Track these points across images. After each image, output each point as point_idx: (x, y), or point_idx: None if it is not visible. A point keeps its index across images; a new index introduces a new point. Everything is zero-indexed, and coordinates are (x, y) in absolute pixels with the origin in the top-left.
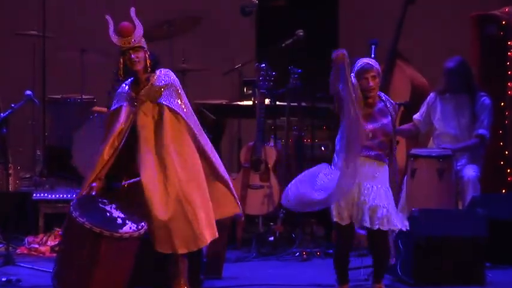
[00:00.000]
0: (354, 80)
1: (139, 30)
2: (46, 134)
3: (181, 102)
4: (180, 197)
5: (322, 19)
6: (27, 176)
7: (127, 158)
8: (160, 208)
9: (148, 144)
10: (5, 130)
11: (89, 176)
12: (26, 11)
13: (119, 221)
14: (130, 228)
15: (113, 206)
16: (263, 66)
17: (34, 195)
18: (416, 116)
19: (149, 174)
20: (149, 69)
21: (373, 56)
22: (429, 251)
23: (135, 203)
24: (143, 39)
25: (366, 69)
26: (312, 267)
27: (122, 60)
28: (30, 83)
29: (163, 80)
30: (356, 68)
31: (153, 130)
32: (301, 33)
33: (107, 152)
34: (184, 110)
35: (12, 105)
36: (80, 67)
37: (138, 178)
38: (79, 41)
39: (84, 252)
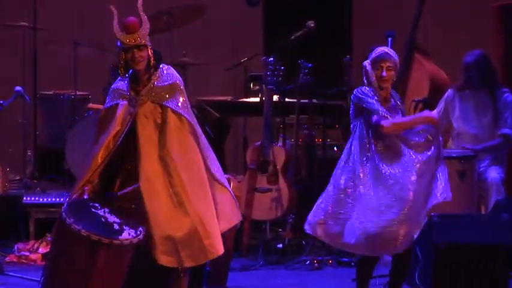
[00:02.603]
0: (368, 67)
1: (146, 26)
2: (37, 132)
3: (183, 100)
4: (186, 207)
5: (335, 9)
6: (17, 178)
7: (122, 161)
8: (165, 219)
9: (149, 149)
10: None
11: (80, 179)
12: (15, 0)
13: (116, 226)
14: (129, 234)
15: (106, 210)
16: (271, 60)
17: (24, 198)
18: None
19: (151, 182)
20: (152, 69)
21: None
22: (449, 258)
23: (129, 208)
24: (148, 36)
25: (382, 58)
26: (324, 277)
27: (123, 57)
28: (20, 78)
29: (167, 80)
30: (373, 56)
31: (155, 134)
32: (312, 25)
33: (101, 155)
34: (187, 109)
35: (1, 102)
36: (74, 61)
37: (134, 186)
38: (72, 34)
39: (80, 262)
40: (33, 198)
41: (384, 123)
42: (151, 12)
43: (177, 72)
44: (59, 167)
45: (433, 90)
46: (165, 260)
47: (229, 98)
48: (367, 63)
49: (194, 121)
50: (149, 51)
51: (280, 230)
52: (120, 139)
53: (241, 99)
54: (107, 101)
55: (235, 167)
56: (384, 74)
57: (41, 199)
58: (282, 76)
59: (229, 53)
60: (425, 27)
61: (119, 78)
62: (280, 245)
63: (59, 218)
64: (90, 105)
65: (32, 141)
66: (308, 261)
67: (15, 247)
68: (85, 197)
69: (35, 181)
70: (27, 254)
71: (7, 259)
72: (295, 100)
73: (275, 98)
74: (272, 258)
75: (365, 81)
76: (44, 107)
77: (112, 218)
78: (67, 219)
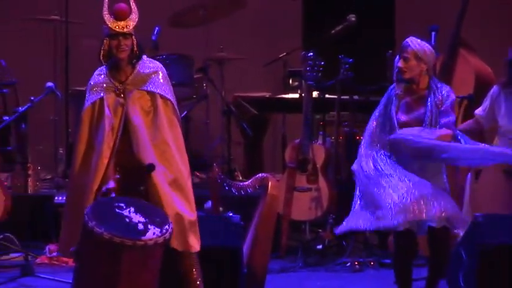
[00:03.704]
0: (396, 59)
1: (135, 15)
2: (69, 130)
3: (168, 86)
4: (186, 192)
5: (377, 2)
6: (48, 177)
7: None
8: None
9: (144, 137)
10: (23, 126)
11: (90, 184)
12: None
13: (140, 226)
14: (154, 233)
15: (131, 209)
16: (310, 55)
17: (56, 198)
18: (478, 111)
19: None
20: (135, 59)
21: (433, 43)
22: (495, 260)
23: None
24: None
25: (401, 47)
26: (365, 279)
27: (107, 44)
28: (52, 74)
29: (150, 67)
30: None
31: (145, 121)
32: (353, 19)
33: (105, 155)
34: (172, 95)
35: (32, 98)
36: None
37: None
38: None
39: (104, 265)
40: (64, 198)
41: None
42: (187, 6)
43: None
44: None
45: (479, 87)
46: (174, 243)
47: (267, 94)
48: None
49: (177, 106)
50: (134, 41)
51: (320, 230)
52: (120, 134)
53: (280, 96)
54: (87, 98)
55: (273, 165)
56: (399, 64)
57: None
58: (322, 72)
59: (268, 48)
60: (471, 20)
61: (96, 72)
62: (320, 246)
63: (83, 220)
64: None
65: (64, 138)
66: (349, 263)
67: (46, 248)
68: (113, 194)
69: (67, 180)
70: (58, 255)
71: (38, 260)
72: (335, 96)
73: (315, 94)
74: (311, 260)
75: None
76: (76, 104)
77: (137, 218)
78: (89, 222)
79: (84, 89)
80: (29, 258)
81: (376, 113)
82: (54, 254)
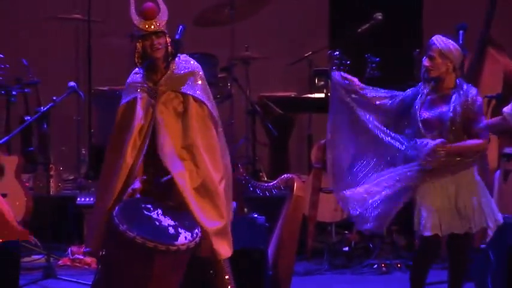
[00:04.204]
0: (423, 58)
1: (164, 13)
2: (92, 130)
3: (204, 88)
4: (214, 198)
5: (404, 0)
6: (71, 178)
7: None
8: (200, 215)
9: (172, 141)
10: (45, 126)
11: (113, 184)
12: None
13: (171, 230)
14: (185, 238)
15: (159, 211)
16: (336, 54)
17: (78, 199)
18: (506, 109)
19: (181, 175)
20: (170, 57)
21: (460, 42)
22: None
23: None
24: (166, 24)
25: (427, 46)
26: (392, 282)
27: (140, 45)
28: (74, 74)
29: (185, 68)
30: None
31: (176, 123)
32: (379, 17)
33: (129, 154)
34: (208, 97)
35: (54, 98)
36: (130, 55)
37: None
38: (128, 26)
39: (136, 269)
40: (87, 199)
41: None
42: (212, 4)
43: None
44: None
45: (507, 86)
46: (201, 251)
47: (293, 94)
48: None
49: (215, 110)
50: (167, 39)
51: (346, 232)
52: (149, 135)
53: (306, 95)
54: (123, 97)
55: (299, 166)
56: (425, 63)
57: (95, 200)
58: (348, 71)
59: (293, 47)
60: (501, 19)
61: (134, 71)
62: (346, 248)
63: (110, 222)
64: None
65: (87, 139)
66: (375, 265)
67: (69, 250)
68: (137, 195)
69: (90, 181)
70: (81, 257)
71: (60, 263)
72: None
73: None
74: (337, 262)
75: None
76: (99, 104)
77: (166, 221)
78: (120, 225)
79: (106, 88)
80: (51, 260)
81: (401, 95)
82: (77, 256)
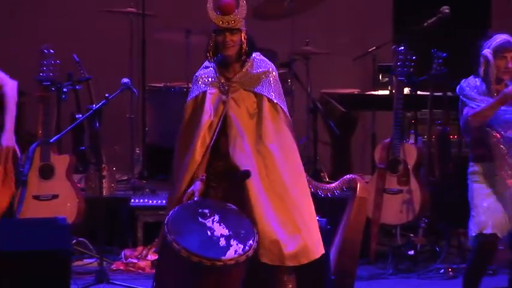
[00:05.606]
0: (490, 57)
1: (242, 9)
2: (146, 129)
3: (278, 89)
4: (288, 205)
5: None
6: (124, 178)
7: (212, 155)
8: (265, 216)
9: (243, 141)
10: (97, 124)
11: (182, 179)
12: None
13: (222, 242)
14: (235, 251)
15: (215, 218)
16: (401, 50)
17: (132, 200)
18: None
19: (252, 178)
20: (244, 56)
21: None
22: None
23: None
24: (243, 21)
25: (505, 47)
26: (459, 286)
27: (213, 40)
28: (127, 70)
29: (260, 67)
30: (494, 44)
31: (249, 124)
32: (446, 10)
33: (199, 152)
34: (281, 99)
35: (107, 95)
36: (186, 51)
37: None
38: (184, 20)
39: (184, 281)
40: (141, 200)
41: (471, 115)
42: None
43: (298, 62)
44: (169, 166)
45: None
46: (267, 258)
47: (356, 91)
48: (488, 52)
49: (287, 112)
50: (243, 37)
51: (411, 235)
52: (216, 132)
53: (369, 92)
54: (191, 90)
55: (362, 166)
56: (510, 65)
57: (150, 201)
58: (413, 67)
59: (356, 42)
60: None
61: (204, 64)
62: (412, 252)
63: (163, 230)
64: None
65: (141, 138)
66: (442, 270)
67: (122, 254)
68: (195, 198)
69: (144, 182)
70: (134, 261)
71: (113, 267)
72: (428, 93)
73: (406, 90)
74: (402, 266)
75: (480, 72)
76: (154, 101)
77: (220, 230)
78: (168, 235)
79: (161, 85)
80: (104, 264)
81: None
82: (130, 260)
